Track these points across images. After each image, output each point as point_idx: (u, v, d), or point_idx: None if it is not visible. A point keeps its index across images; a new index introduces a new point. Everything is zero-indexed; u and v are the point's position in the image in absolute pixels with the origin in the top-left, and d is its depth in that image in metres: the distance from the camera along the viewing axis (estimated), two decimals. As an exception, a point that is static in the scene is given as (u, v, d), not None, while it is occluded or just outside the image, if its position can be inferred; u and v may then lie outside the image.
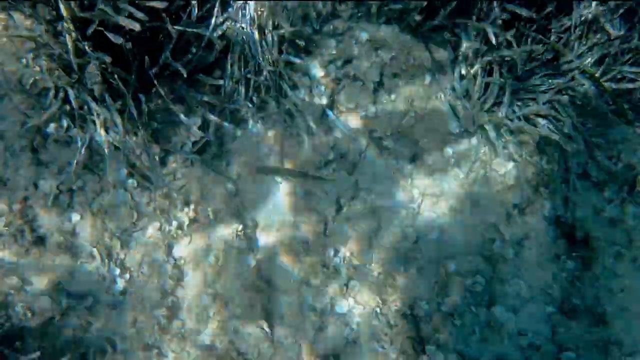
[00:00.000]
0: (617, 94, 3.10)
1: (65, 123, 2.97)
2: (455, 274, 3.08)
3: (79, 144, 2.90)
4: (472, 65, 3.08)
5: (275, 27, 2.94)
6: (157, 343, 2.89)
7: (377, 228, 3.08)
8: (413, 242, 3.09)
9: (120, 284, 2.93)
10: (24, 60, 2.99)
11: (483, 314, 3.05)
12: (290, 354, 2.92)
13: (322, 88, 3.13)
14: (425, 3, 2.97)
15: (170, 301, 2.94)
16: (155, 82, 2.89)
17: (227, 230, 3.01)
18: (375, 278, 3.03)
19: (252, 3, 2.87)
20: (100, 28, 2.64)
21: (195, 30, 2.78)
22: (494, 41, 2.93)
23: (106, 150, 2.93)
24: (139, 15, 2.53)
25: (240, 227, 3.00)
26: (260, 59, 2.92)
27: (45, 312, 2.87)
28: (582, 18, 3.02)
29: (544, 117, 3.10)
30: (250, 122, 3.06)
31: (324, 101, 3.13)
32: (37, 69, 2.95)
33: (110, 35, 2.58)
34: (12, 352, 2.73)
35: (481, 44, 3.05)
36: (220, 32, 2.88)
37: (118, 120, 2.82)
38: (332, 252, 3.02)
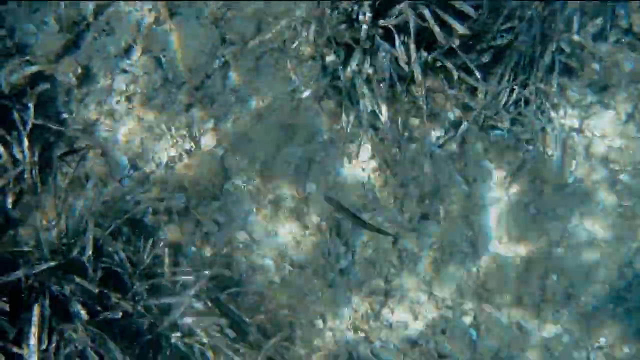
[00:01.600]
0: None
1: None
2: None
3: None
4: None
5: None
6: (365, 328, 2.94)
7: (595, 265, 3.04)
8: (627, 282, 3.06)
9: (343, 262, 2.96)
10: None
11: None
12: (489, 366, 2.96)
13: (576, 111, 3.06)
14: None
15: (385, 289, 2.97)
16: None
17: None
18: (584, 312, 3.02)
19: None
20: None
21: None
22: None
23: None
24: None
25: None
26: (534, 75, 2.85)
27: (267, 273, 2.93)
28: None
29: None
30: (506, 125, 2.98)
31: (576, 124, 3.06)
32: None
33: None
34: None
35: None
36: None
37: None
38: (553, 278, 3.01)
